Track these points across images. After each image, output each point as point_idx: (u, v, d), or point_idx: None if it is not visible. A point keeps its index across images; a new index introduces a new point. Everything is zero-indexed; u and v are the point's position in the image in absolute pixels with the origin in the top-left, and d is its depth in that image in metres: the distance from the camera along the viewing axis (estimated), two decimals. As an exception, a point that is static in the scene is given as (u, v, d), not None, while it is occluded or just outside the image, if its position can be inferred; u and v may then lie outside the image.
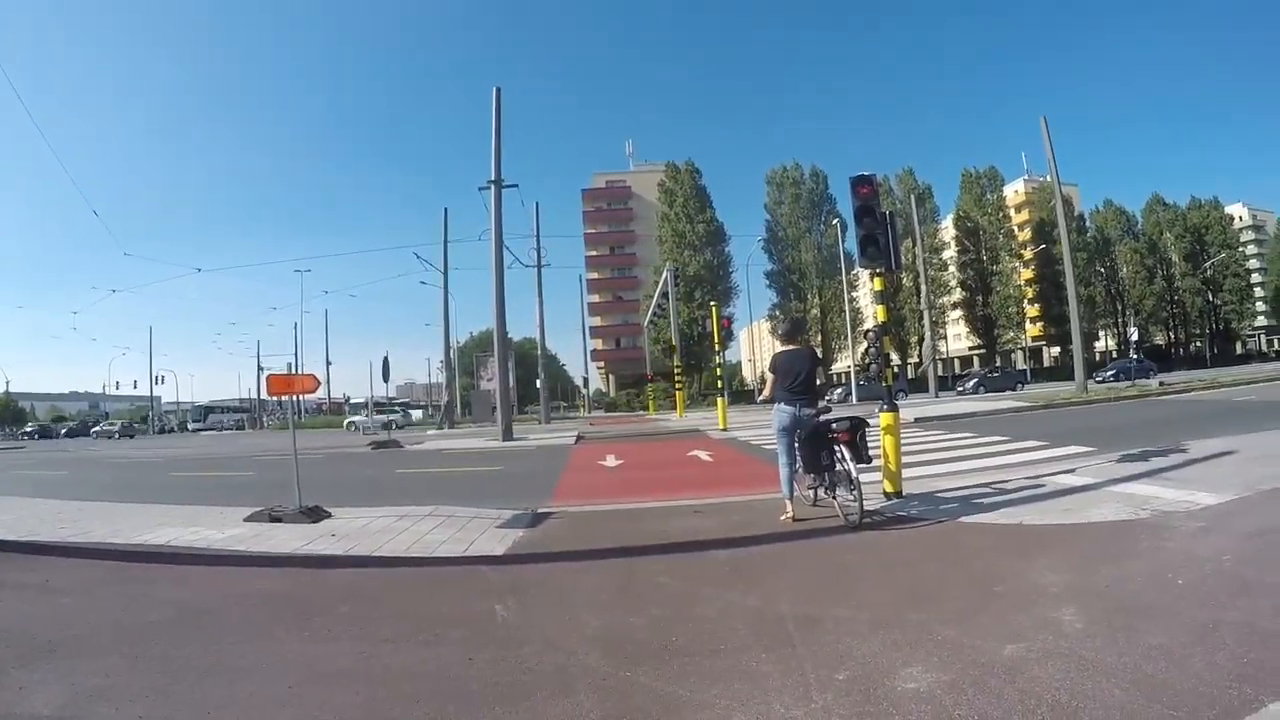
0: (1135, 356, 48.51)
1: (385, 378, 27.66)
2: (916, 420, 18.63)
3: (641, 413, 49.05)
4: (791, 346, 7.08)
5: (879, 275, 8.17)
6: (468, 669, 3.53)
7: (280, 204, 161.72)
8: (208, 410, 73.21)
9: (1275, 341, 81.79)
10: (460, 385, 47.69)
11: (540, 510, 8.05)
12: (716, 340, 27.28)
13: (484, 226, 25.44)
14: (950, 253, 68.38)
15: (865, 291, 57.38)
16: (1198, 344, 76.00)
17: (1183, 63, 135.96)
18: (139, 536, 7.04)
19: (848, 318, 49.64)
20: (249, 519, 7.59)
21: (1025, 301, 68.31)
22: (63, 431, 66.38)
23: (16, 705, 3.24)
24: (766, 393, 7.13)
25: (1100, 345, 75.57)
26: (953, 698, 2.91)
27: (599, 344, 75.07)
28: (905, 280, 59.24)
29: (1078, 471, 8.58)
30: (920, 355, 55.17)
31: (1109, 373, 44.52)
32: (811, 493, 7.31)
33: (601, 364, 77.57)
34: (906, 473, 7.86)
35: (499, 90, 22.81)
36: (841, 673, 3.24)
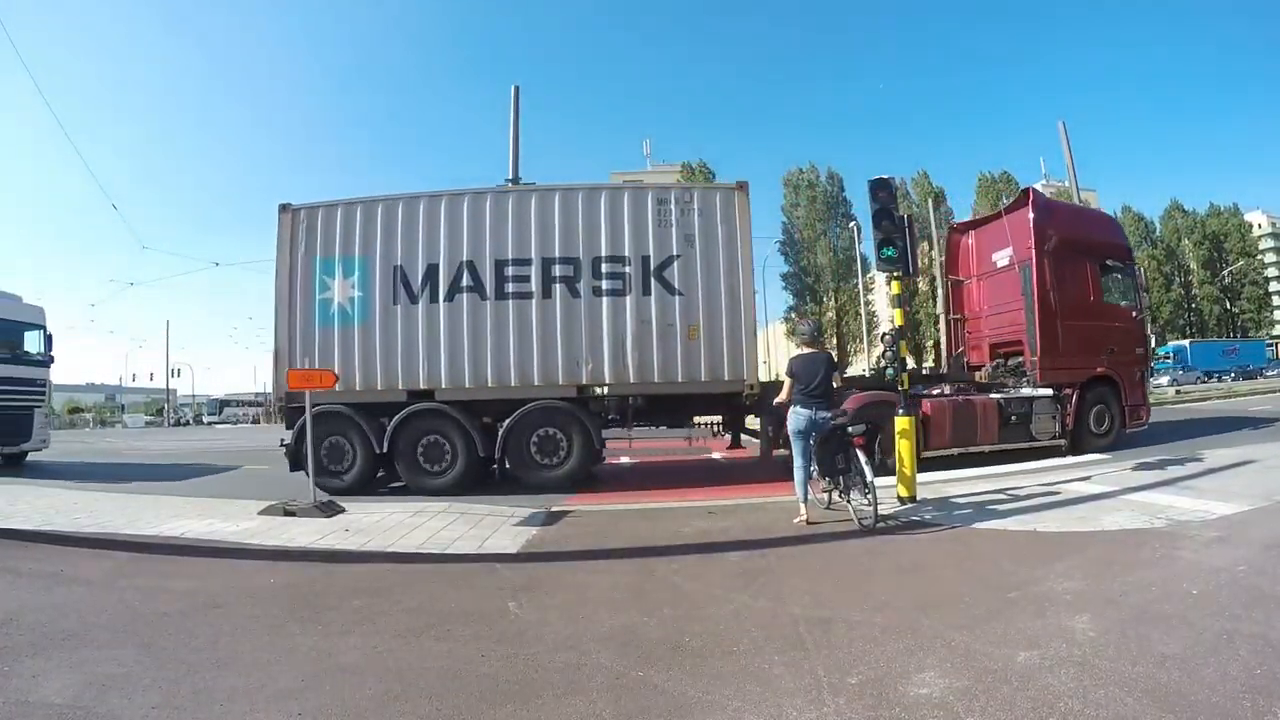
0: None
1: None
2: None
3: None
4: (808, 350, 7.08)
5: (896, 279, 8.14)
6: (480, 666, 3.55)
7: (298, 197, 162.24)
8: (224, 404, 73.87)
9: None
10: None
11: (554, 509, 8.07)
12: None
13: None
14: (966, 257, 67.83)
15: (881, 294, 57.14)
16: (1214, 352, 75.24)
17: (1203, 68, 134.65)
18: (154, 528, 7.10)
19: (863, 321, 49.39)
20: (263, 512, 7.64)
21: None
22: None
23: (30, 693, 3.27)
24: (783, 396, 7.12)
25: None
26: (965, 704, 2.90)
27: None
28: (921, 284, 58.83)
29: (1093, 479, 8.54)
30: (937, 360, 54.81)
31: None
32: (826, 496, 7.31)
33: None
34: (920, 477, 7.83)
35: (518, 88, 22.79)
36: (854, 676, 3.24)
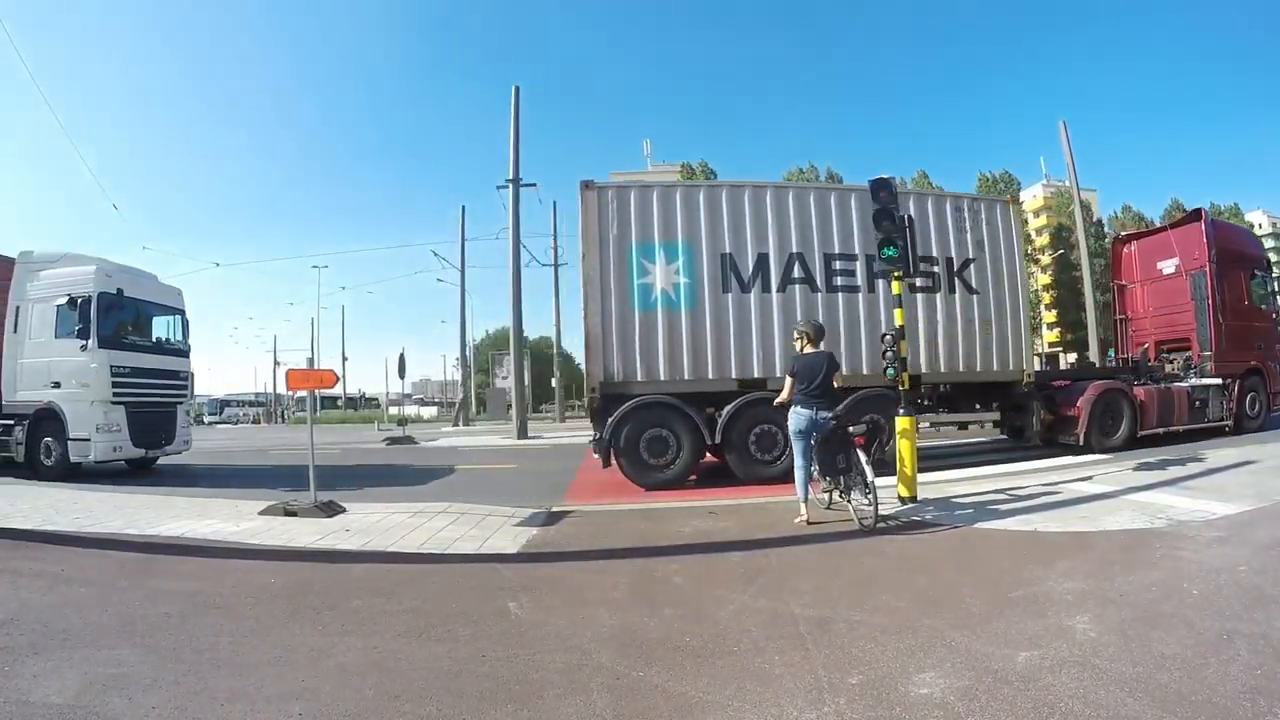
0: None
1: (401, 374, 27.83)
2: (931, 425, 18.52)
3: None
4: (811, 350, 7.05)
5: (896, 279, 8.13)
6: (480, 666, 3.55)
7: (299, 200, 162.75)
8: (224, 404, 73.87)
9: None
10: (475, 383, 47.73)
11: (555, 509, 8.07)
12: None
13: (502, 225, 25.59)
14: (966, 256, 67.78)
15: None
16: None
17: (1205, 67, 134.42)
18: (154, 528, 7.11)
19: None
20: (264, 512, 7.65)
21: (1042, 307, 67.73)
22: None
23: (30, 693, 3.27)
24: (784, 395, 7.10)
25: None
26: (965, 704, 2.90)
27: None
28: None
29: (1094, 479, 8.54)
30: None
31: None
32: (826, 496, 7.30)
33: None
34: (921, 477, 7.83)
35: (518, 89, 22.85)
36: (854, 676, 3.24)
